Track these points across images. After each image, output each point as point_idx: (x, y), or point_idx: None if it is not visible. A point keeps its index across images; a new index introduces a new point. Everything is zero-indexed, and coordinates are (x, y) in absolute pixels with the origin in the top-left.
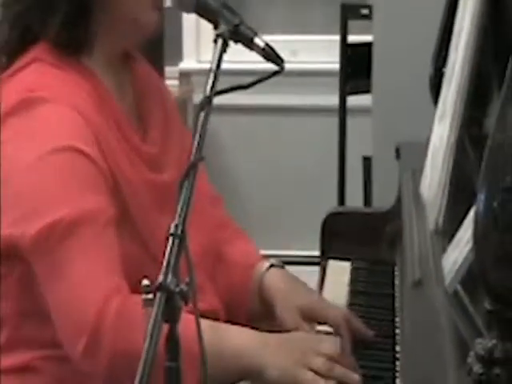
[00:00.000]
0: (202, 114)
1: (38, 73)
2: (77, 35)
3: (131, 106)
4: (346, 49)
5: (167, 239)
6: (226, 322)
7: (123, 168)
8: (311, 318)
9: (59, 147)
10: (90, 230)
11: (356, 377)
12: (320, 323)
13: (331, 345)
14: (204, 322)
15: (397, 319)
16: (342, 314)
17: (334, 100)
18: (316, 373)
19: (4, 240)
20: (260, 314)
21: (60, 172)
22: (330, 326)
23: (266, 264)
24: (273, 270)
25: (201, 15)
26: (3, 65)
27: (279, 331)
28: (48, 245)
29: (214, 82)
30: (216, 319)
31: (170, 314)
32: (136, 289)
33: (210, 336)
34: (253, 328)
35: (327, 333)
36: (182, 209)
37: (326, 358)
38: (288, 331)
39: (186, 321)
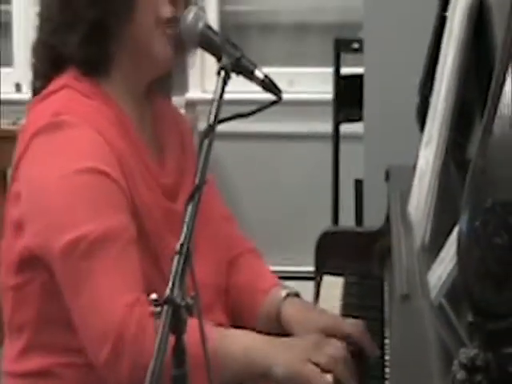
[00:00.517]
0: (206, 141)
1: (66, 98)
2: (95, 55)
3: (151, 138)
4: (339, 80)
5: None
6: None
7: (141, 191)
8: (328, 334)
9: (84, 168)
10: (113, 246)
11: (350, 381)
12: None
13: (336, 348)
14: (211, 327)
15: (386, 330)
16: (354, 325)
17: (328, 127)
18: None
19: (28, 250)
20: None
21: (85, 191)
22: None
23: (283, 293)
24: (289, 299)
25: (205, 49)
26: (37, 89)
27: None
28: (74, 258)
29: (217, 111)
30: None
31: (177, 326)
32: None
33: (218, 339)
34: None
35: None
36: (187, 228)
37: (328, 357)
38: None
39: (194, 326)
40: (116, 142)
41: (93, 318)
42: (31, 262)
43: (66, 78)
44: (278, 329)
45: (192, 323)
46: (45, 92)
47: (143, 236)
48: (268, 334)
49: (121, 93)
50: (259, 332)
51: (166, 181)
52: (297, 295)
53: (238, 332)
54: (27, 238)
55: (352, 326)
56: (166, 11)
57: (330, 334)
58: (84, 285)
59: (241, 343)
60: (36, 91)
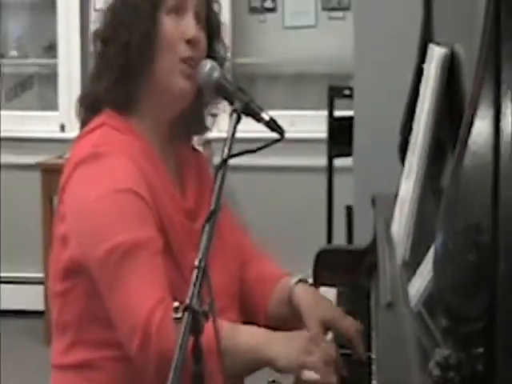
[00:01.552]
0: (220, 172)
1: (103, 134)
2: (123, 96)
3: (173, 170)
4: (333, 121)
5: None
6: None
7: (167, 210)
8: (330, 327)
9: (120, 189)
10: (142, 254)
11: (331, 380)
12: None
13: (330, 347)
14: (225, 324)
15: (372, 333)
16: (354, 327)
17: (323, 161)
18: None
19: (72, 260)
20: (278, 323)
21: (121, 208)
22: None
23: (295, 279)
24: (301, 284)
25: (220, 95)
26: (81, 125)
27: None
28: (110, 264)
29: (229, 148)
30: None
31: (195, 329)
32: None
33: (228, 329)
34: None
35: None
36: (204, 246)
37: (322, 352)
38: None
39: (209, 327)
40: (145, 169)
41: (125, 314)
42: (75, 271)
43: (103, 118)
44: (288, 313)
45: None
46: (86, 130)
47: (169, 249)
48: (275, 324)
49: (147, 128)
50: (268, 322)
51: (186, 205)
52: (307, 281)
53: (247, 329)
54: (71, 250)
55: (350, 325)
56: (185, 51)
57: (331, 325)
58: (118, 286)
59: (248, 340)
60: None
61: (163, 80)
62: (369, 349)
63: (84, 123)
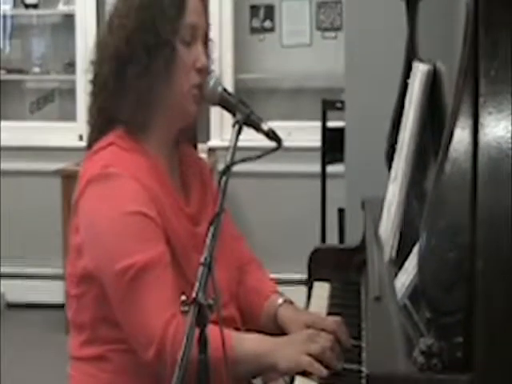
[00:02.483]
0: (224, 178)
1: (112, 154)
2: (140, 117)
3: (178, 178)
4: (326, 132)
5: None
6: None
7: (172, 223)
8: (313, 328)
9: (130, 211)
10: (154, 271)
11: (337, 364)
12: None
13: (326, 336)
14: (229, 331)
15: (362, 324)
16: (334, 322)
17: (317, 168)
18: (313, 356)
19: (86, 270)
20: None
21: (131, 229)
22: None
23: (280, 301)
24: (284, 305)
25: (223, 107)
26: (91, 141)
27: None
28: (124, 282)
29: (232, 155)
30: (234, 323)
31: (201, 320)
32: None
33: (235, 339)
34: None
35: None
36: (210, 244)
37: (320, 345)
38: None
39: (216, 331)
40: (151, 186)
41: (140, 328)
42: (88, 279)
43: (112, 137)
44: (275, 328)
45: (215, 329)
46: (96, 147)
47: (174, 256)
48: (268, 333)
49: (155, 146)
50: (262, 329)
51: (190, 210)
52: (290, 302)
53: (250, 335)
54: (85, 261)
55: (332, 322)
56: (196, 78)
57: (314, 328)
58: (132, 302)
59: (252, 343)
60: (91, 143)
61: (177, 104)
62: (359, 338)
63: (94, 134)
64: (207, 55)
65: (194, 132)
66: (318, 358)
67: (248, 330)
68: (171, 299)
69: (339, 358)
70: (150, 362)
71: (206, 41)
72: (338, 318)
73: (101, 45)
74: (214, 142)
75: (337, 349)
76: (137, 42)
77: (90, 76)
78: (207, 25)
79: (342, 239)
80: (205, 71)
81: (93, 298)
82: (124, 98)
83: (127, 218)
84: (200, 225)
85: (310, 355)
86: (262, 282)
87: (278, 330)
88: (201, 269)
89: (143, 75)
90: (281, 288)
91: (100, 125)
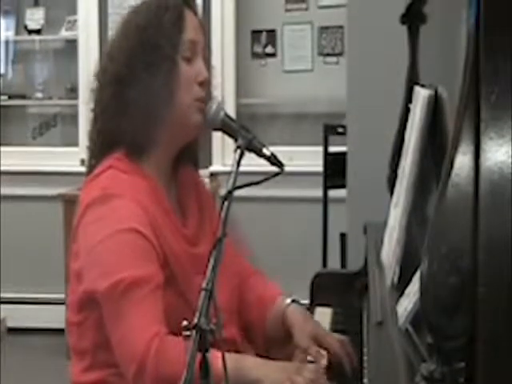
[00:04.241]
0: (226, 203)
1: (112, 177)
2: (142, 137)
3: (175, 200)
4: (328, 156)
5: (200, 292)
6: (245, 345)
7: (170, 244)
8: (316, 341)
9: (124, 229)
10: (143, 289)
11: None
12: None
13: (311, 371)
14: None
15: (364, 349)
16: (337, 341)
17: (319, 192)
18: None
19: (85, 293)
20: (275, 338)
21: (125, 246)
22: (329, 349)
23: (288, 300)
24: (293, 305)
25: (224, 132)
26: (91, 166)
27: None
28: (113, 296)
29: (234, 180)
30: (234, 345)
31: (203, 345)
32: (178, 330)
33: (233, 361)
34: (266, 354)
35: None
36: (211, 270)
37: (306, 379)
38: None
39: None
40: (149, 208)
41: (124, 345)
42: (88, 303)
43: (111, 161)
44: (281, 330)
45: (217, 354)
46: (95, 172)
47: (173, 279)
48: (271, 341)
49: (154, 168)
50: (266, 341)
51: (188, 232)
52: (298, 302)
53: (247, 359)
54: (84, 285)
55: (335, 341)
56: (198, 92)
57: (318, 341)
58: (119, 319)
59: (248, 369)
60: (91, 168)
61: (181, 119)
62: (361, 363)
63: (94, 159)
64: (208, 69)
65: (195, 153)
66: None
67: (251, 343)
68: (157, 318)
69: None
70: (131, 380)
71: (205, 55)
72: (343, 338)
73: (101, 72)
74: (215, 167)
75: (321, 382)
76: (137, 61)
77: (91, 104)
78: (205, 40)
79: (343, 264)
80: (207, 84)
81: (93, 323)
82: (125, 120)
83: (122, 235)
84: (198, 245)
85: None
86: (265, 289)
87: (284, 331)
88: (202, 293)
89: (144, 95)
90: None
91: (100, 148)
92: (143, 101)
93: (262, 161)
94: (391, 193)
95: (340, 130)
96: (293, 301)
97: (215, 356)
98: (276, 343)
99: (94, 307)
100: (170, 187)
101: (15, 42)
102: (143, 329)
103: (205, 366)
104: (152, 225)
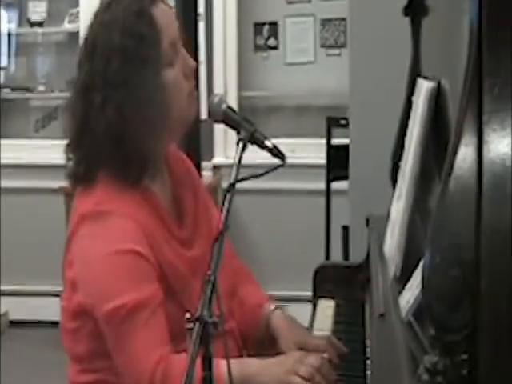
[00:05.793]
0: (228, 196)
1: (104, 190)
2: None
3: (170, 201)
4: (330, 148)
5: (199, 296)
6: (242, 342)
7: (165, 253)
8: (303, 348)
9: (121, 250)
10: (145, 312)
11: None
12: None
13: (315, 358)
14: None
15: (367, 341)
16: (324, 340)
17: (321, 185)
18: (302, 378)
19: (80, 305)
20: (261, 345)
21: (123, 268)
22: (318, 350)
23: (272, 307)
24: (276, 311)
25: (227, 125)
26: (78, 174)
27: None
28: (116, 322)
29: (236, 173)
30: (234, 336)
31: (205, 338)
32: (177, 339)
33: (236, 363)
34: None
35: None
36: (214, 262)
37: (309, 367)
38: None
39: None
40: (144, 222)
41: (131, 367)
42: (82, 315)
43: (104, 172)
44: (265, 336)
45: (220, 362)
46: (88, 184)
47: (172, 289)
48: (258, 347)
49: (149, 178)
50: (259, 340)
51: (183, 234)
52: (281, 308)
53: (247, 360)
54: (80, 297)
55: (320, 340)
56: (188, 86)
57: (302, 346)
58: (124, 342)
59: (237, 367)
60: (79, 175)
61: (180, 120)
62: (363, 355)
63: (81, 167)
64: (188, 51)
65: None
66: (307, 380)
67: (244, 343)
68: (161, 340)
69: (330, 379)
70: None
71: (183, 40)
72: (325, 334)
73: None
74: (218, 159)
75: (327, 370)
76: (127, 83)
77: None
78: (179, 27)
79: (346, 256)
80: (192, 73)
81: (88, 332)
82: (126, 139)
83: (119, 257)
84: (193, 248)
85: (299, 376)
86: (256, 295)
87: (269, 338)
88: (206, 285)
89: (141, 113)
90: (285, 305)
91: (92, 159)
92: (141, 119)
93: (265, 153)
94: (394, 185)
95: (342, 122)
96: (276, 308)
97: (219, 364)
98: (262, 350)
99: (88, 318)
100: (164, 188)
101: (18, 34)
102: (148, 352)
103: (207, 357)
104: (148, 240)
